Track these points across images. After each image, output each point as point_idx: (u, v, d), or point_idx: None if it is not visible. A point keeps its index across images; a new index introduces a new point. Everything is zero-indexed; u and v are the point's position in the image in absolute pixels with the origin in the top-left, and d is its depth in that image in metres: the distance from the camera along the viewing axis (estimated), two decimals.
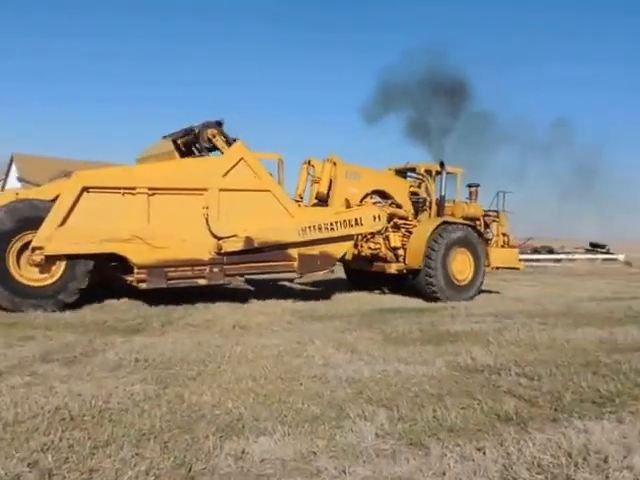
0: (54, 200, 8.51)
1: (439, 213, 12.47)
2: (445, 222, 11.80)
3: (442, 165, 12.37)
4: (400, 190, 12.46)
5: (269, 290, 10.90)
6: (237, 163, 9.41)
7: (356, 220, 10.47)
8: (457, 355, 6.30)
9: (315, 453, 3.50)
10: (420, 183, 13.05)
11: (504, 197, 13.29)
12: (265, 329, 7.67)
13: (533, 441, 3.73)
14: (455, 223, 11.94)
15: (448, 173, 12.53)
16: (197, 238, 9.10)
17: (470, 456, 3.50)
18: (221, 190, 9.23)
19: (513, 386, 5.10)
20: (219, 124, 9.94)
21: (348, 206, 11.06)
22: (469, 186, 13.19)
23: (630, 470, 3.38)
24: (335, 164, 11.48)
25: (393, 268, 11.83)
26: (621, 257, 28.42)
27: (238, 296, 10.17)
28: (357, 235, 11.02)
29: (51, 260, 8.44)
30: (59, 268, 8.53)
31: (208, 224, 9.15)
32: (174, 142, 10.33)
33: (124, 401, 4.39)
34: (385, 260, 11.94)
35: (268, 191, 9.64)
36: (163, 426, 3.88)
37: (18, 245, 8.33)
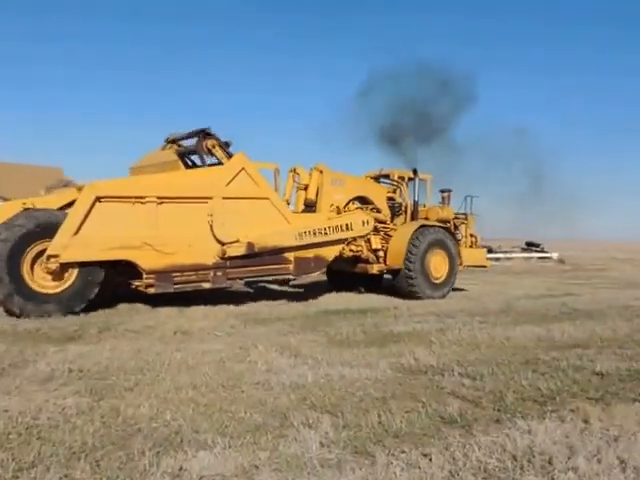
0: (61, 209, 8.92)
1: (413, 217, 13.32)
2: (423, 225, 12.63)
3: (415, 172, 13.28)
4: (379, 196, 13.18)
5: (216, 293, 10.64)
6: (239, 173, 9.92)
7: (347, 225, 11.26)
8: (400, 356, 6.28)
9: (257, 467, 3.36)
10: (395, 189, 13.82)
11: (472, 201, 14.32)
12: (207, 334, 7.46)
13: (478, 444, 3.71)
14: (432, 226, 12.75)
15: (420, 179, 13.39)
16: (202, 244, 9.57)
17: (416, 463, 3.43)
18: (224, 198, 9.73)
19: (456, 387, 5.10)
20: (208, 134, 10.23)
21: (338, 212, 11.76)
22: (442, 191, 14.06)
23: (575, 471, 3.39)
24: (322, 172, 12.11)
25: (375, 269, 12.47)
26: (555, 255, 29.44)
27: (182, 300, 9.89)
28: (348, 239, 11.69)
29: (64, 267, 8.66)
30: (71, 275, 8.75)
31: (212, 230, 9.63)
32: (175, 144, 10.83)
33: (54, 416, 4.12)
34: (367, 261, 12.52)
35: (267, 199, 10.20)
36: (96, 443, 3.65)
37: (33, 252, 8.52)
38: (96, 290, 8.86)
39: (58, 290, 8.65)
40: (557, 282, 17.86)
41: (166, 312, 9.04)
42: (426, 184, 13.88)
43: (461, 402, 4.67)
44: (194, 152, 10.51)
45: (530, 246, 30.75)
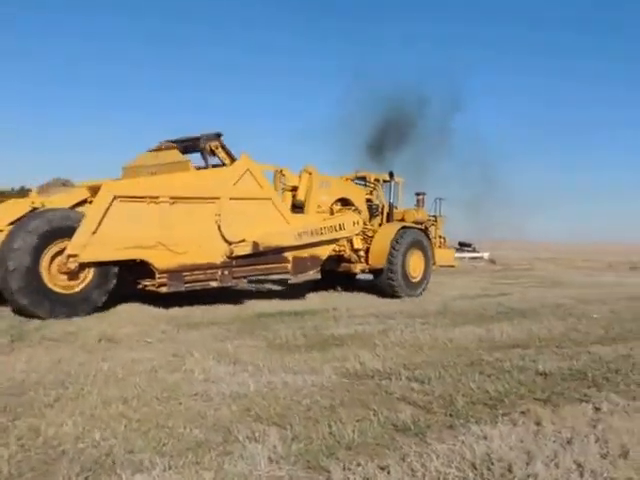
0: (72, 208, 9.40)
1: (389, 218, 13.96)
2: (404, 227, 13.34)
3: (391, 175, 14.00)
4: (359, 197, 13.71)
5: (140, 295, 10.12)
6: (244, 174, 10.37)
7: (340, 225, 11.88)
8: (345, 360, 6.10)
9: None
10: (372, 190, 14.39)
11: (440, 203, 15.14)
12: (136, 341, 7.01)
13: (436, 453, 3.55)
14: (411, 227, 13.49)
15: (387, 181, 14.16)
16: (211, 243, 9.93)
17: (374, 477, 3.23)
18: (231, 199, 10.14)
19: (406, 392, 4.96)
20: (219, 136, 10.72)
21: (332, 213, 12.59)
22: (417, 194, 14.75)
23: (535, 478, 3.29)
24: (311, 174, 12.55)
25: (358, 268, 13.11)
26: (486, 255, 30.26)
27: (104, 303, 9.31)
28: (339, 238, 12.26)
29: (81, 267, 8.81)
30: (88, 275, 8.91)
31: (221, 230, 10.01)
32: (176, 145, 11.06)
33: None
34: (349, 261, 13.12)
35: (269, 199, 10.74)
36: (12, 470, 3.23)
37: (52, 252, 8.61)
38: (112, 287, 9.08)
39: (76, 290, 8.82)
40: (490, 282, 18.29)
41: (88, 317, 8.50)
42: (398, 187, 14.53)
43: (412, 408, 4.53)
44: (196, 152, 10.83)
45: (462, 246, 31.46)
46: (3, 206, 9.86)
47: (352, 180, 14.34)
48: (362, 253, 13.15)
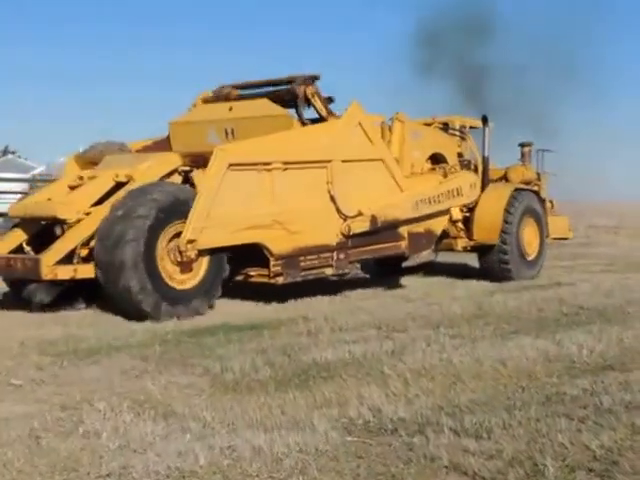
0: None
1: (484, 178, 14.79)
2: (517, 189, 14.82)
3: (485, 120, 14.99)
4: (452, 152, 14.71)
5: None
6: (356, 128, 11.64)
7: (457, 190, 13.18)
8: (344, 405, 5.82)
9: None
10: (461, 142, 15.45)
11: (543, 156, 16.67)
12: None
13: None
14: (524, 190, 15.05)
15: (474, 128, 15.43)
16: (325, 219, 11.26)
17: None
18: (343, 161, 11.35)
19: (456, 454, 4.65)
20: (315, 79, 11.99)
21: (444, 175, 13.51)
22: (521, 145, 16.38)
23: None
24: (403, 123, 13.28)
25: (459, 245, 14.47)
26: None
27: None
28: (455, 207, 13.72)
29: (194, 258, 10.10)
30: (201, 265, 10.26)
31: (335, 202, 11.23)
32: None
33: None
34: (448, 236, 14.31)
35: (381, 160, 11.99)
36: None
37: (168, 237, 10.08)
38: (224, 278, 10.58)
39: (191, 285, 10.28)
40: None
41: None
42: (489, 135, 15.34)
43: None
44: (288, 100, 12.05)
45: None
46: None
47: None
48: (461, 225, 14.41)
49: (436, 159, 14.23)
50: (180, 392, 6.32)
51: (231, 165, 10.09)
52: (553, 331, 8.75)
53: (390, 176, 12.12)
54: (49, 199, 11.15)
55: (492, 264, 14.29)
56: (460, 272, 15.41)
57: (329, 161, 11.19)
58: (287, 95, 12.02)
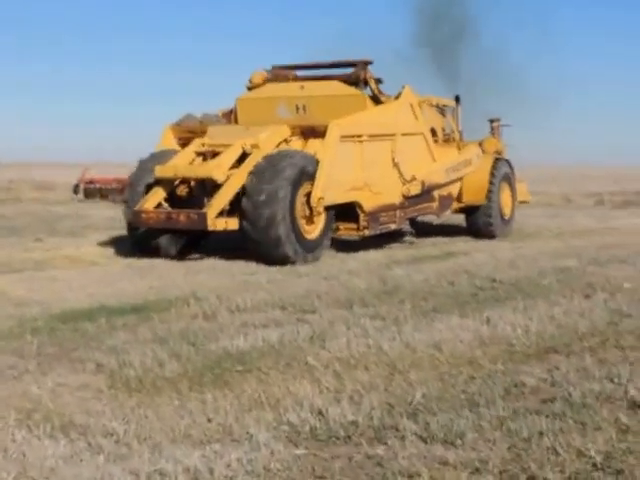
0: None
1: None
2: (497, 158, 17.53)
3: (458, 99, 17.77)
4: (440, 127, 17.23)
5: None
6: (407, 107, 14.93)
7: (469, 160, 16.54)
8: (277, 407, 5.14)
9: None
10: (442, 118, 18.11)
11: (501, 130, 18.95)
12: None
13: None
14: (501, 159, 17.76)
15: (446, 107, 17.93)
16: (393, 183, 14.36)
17: None
18: (403, 135, 14.47)
19: (436, 469, 4.05)
20: (369, 63, 14.78)
21: (458, 147, 16.87)
22: (491, 121, 18.72)
23: None
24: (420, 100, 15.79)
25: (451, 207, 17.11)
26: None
27: None
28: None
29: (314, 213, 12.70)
30: (320, 220, 12.85)
31: (399, 168, 14.35)
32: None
33: None
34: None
35: (422, 134, 15.27)
36: None
37: (302, 195, 12.49)
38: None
39: (314, 235, 12.82)
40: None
41: None
42: (459, 112, 18.13)
43: None
44: (352, 82, 14.64)
45: None
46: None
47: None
48: None
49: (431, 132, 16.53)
50: (73, 396, 5.49)
51: (342, 137, 13.00)
52: (476, 308, 8.36)
53: (427, 147, 15.37)
54: (202, 162, 13.20)
55: (478, 223, 16.83)
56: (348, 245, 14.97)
57: (394, 134, 14.29)
58: (352, 77, 14.62)
